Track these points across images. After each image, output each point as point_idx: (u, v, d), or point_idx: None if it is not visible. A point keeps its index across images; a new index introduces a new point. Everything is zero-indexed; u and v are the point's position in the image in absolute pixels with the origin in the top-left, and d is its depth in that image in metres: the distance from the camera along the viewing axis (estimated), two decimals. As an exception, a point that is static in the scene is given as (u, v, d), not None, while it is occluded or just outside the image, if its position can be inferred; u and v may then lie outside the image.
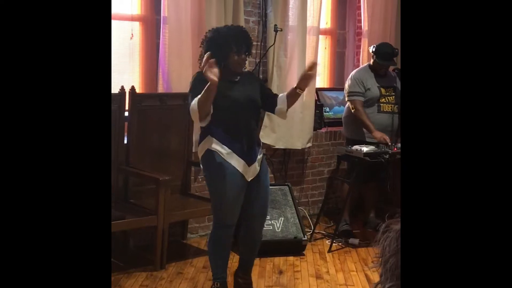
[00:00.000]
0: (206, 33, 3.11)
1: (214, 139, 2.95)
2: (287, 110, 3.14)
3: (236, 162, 2.96)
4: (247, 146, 2.99)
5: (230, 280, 3.33)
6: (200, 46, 3.07)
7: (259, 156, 3.08)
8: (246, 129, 3.01)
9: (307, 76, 3.02)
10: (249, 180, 3.03)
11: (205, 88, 2.76)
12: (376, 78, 4.47)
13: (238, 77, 3.05)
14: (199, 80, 2.90)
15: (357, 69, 4.74)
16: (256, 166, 3.04)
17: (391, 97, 4.46)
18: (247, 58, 3.06)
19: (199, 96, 2.82)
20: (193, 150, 4.26)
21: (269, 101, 3.13)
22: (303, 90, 3.10)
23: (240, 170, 2.97)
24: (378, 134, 4.28)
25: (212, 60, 2.74)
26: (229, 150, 2.95)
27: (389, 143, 4.20)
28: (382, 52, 4.43)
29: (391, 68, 4.61)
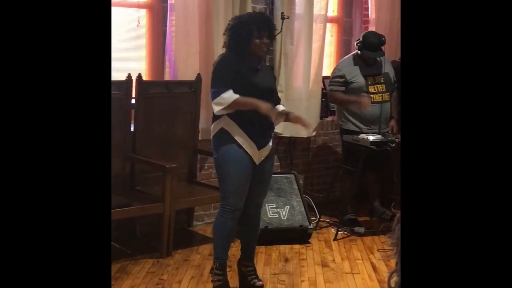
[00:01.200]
0: (229, 21, 3.16)
1: (230, 119, 2.99)
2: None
3: (247, 144, 3.00)
4: (260, 131, 3.03)
5: (234, 268, 3.35)
6: (224, 34, 3.11)
7: (270, 143, 3.11)
8: (262, 114, 3.02)
9: (299, 121, 3.24)
10: (257, 164, 3.06)
11: (254, 102, 2.92)
12: (362, 68, 4.39)
13: (260, 65, 3.10)
14: (223, 67, 2.98)
15: (341, 59, 4.69)
16: (265, 151, 3.08)
17: (380, 86, 4.39)
18: (270, 43, 3.12)
19: (238, 96, 2.91)
20: (199, 138, 4.27)
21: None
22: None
23: (250, 153, 3.01)
24: (360, 98, 4.23)
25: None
26: (242, 132, 2.99)
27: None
28: (367, 43, 4.31)
29: (393, 60, 4.56)
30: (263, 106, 2.93)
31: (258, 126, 3.02)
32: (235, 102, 2.91)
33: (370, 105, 4.20)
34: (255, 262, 3.40)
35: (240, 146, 3.00)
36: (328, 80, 4.57)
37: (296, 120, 3.21)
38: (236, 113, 2.97)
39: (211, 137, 3.11)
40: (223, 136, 3.02)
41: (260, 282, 3.28)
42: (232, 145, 3.00)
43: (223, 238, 3.14)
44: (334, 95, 4.46)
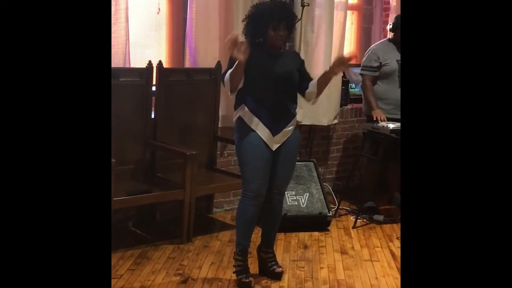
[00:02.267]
0: (250, 8, 3.15)
1: (246, 107, 3.04)
2: (317, 96, 3.14)
3: (262, 130, 3.03)
4: (275, 116, 3.04)
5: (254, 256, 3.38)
6: (243, 21, 3.12)
7: (288, 128, 3.09)
8: (277, 100, 3.04)
9: (343, 60, 3.00)
10: (274, 149, 3.07)
11: (235, 64, 2.87)
12: (395, 52, 4.40)
13: (281, 52, 3.10)
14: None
15: (374, 44, 4.71)
16: (281, 136, 3.08)
17: None
18: (289, 34, 3.09)
19: (230, 70, 2.93)
20: (219, 125, 4.29)
21: (303, 83, 3.14)
22: (337, 74, 3.10)
23: (265, 139, 3.03)
24: (377, 113, 4.30)
25: (240, 41, 2.83)
26: (257, 119, 3.02)
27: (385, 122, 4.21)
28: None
29: None
30: (236, 49, 2.79)
31: (273, 112, 3.03)
32: (230, 76, 2.93)
33: (383, 120, 4.23)
34: (274, 249, 3.42)
35: (254, 132, 3.03)
36: (361, 63, 4.54)
37: (340, 60, 3.01)
38: (250, 101, 3.01)
39: (234, 125, 3.16)
40: (241, 124, 3.07)
41: (280, 269, 3.30)
42: (248, 132, 3.04)
43: (245, 224, 3.17)
44: (365, 82, 4.45)
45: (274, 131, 3.05)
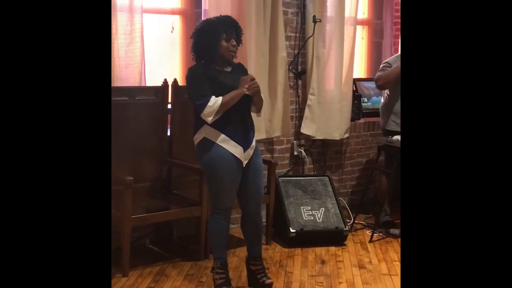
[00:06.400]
0: (196, 24, 3.19)
1: (210, 127, 3.04)
2: (260, 109, 3.23)
3: (233, 148, 3.06)
4: (243, 132, 3.09)
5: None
6: (191, 38, 3.13)
7: (253, 143, 3.17)
8: (242, 116, 3.10)
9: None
10: (244, 164, 3.12)
11: (233, 94, 2.98)
12: None
13: (230, 68, 3.13)
14: (198, 78, 3.02)
15: (392, 56, 4.74)
16: (250, 151, 3.14)
17: None
18: (237, 46, 3.11)
19: (221, 98, 2.96)
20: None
21: None
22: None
23: (237, 155, 3.07)
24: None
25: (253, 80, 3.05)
26: (225, 137, 3.04)
27: None
28: None
29: None
30: (242, 88, 3.00)
31: (240, 128, 3.08)
32: (222, 104, 2.95)
33: None
34: (292, 264, 3.42)
35: (226, 150, 3.04)
36: (376, 75, 4.57)
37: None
38: (217, 120, 3.00)
39: (195, 145, 3.14)
40: (207, 144, 3.06)
41: (269, 280, 3.31)
42: (217, 149, 3.04)
43: (221, 239, 3.22)
44: (384, 74, 4.44)
45: (245, 147, 3.10)
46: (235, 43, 3.07)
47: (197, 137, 3.11)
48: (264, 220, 3.83)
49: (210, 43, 3.01)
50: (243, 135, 3.09)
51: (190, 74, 3.07)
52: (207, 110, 2.95)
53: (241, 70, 3.24)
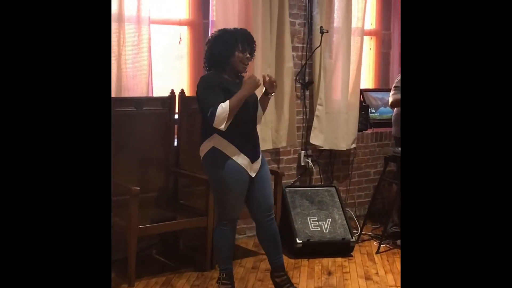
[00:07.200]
0: (212, 33, 3.20)
1: (220, 137, 3.02)
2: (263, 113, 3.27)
3: (241, 159, 3.05)
4: (252, 144, 3.11)
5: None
6: (206, 44, 3.14)
7: (260, 155, 3.19)
8: (251, 128, 3.11)
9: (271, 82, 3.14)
10: (253, 176, 3.12)
11: (239, 95, 2.95)
12: None
13: (238, 80, 3.12)
14: (210, 88, 3.00)
15: None
16: (257, 163, 3.15)
17: None
18: (250, 60, 3.12)
19: (228, 102, 2.92)
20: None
21: None
22: (273, 93, 3.20)
23: (245, 167, 3.06)
24: None
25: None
26: (235, 148, 3.03)
27: None
28: None
29: None
30: (249, 86, 2.99)
31: (250, 140, 3.09)
32: (231, 108, 2.91)
33: None
34: (299, 275, 3.40)
35: (234, 161, 3.03)
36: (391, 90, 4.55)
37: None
38: (226, 131, 2.97)
39: (203, 155, 3.11)
40: (216, 154, 3.04)
41: None
42: (227, 160, 3.03)
43: (227, 250, 3.22)
44: (397, 98, 4.42)
45: (253, 159, 3.10)
46: (249, 55, 3.08)
47: (206, 146, 3.09)
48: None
49: (226, 51, 3.02)
50: (252, 147, 3.10)
51: (203, 82, 3.05)
52: (218, 117, 2.90)
53: None
